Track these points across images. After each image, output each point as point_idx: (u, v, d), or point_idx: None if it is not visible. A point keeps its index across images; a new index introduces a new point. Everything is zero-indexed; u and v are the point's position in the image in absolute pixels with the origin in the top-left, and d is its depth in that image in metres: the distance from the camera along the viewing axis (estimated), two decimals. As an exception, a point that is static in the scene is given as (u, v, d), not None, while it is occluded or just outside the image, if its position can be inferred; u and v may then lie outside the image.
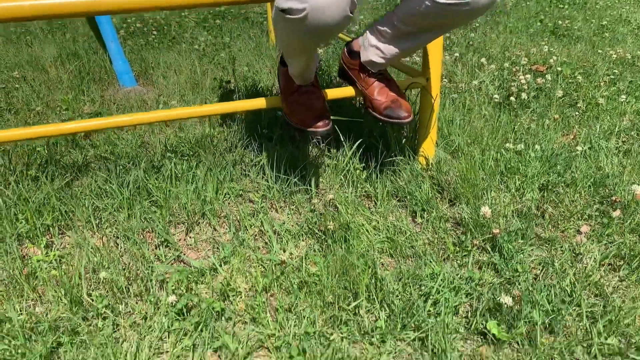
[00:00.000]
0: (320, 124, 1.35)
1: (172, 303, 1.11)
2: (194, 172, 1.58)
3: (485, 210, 1.33)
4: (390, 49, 1.40)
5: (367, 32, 1.45)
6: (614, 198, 1.48)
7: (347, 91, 1.55)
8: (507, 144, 1.74)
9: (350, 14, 1.07)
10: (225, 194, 1.55)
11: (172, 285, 1.18)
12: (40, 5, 1.11)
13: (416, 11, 1.25)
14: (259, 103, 1.48)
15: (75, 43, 3.51)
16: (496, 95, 2.18)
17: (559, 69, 2.62)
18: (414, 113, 1.74)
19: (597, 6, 4.58)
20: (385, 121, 1.42)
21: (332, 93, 1.53)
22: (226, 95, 2.39)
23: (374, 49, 1.42)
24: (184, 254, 1.32)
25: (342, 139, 1.68)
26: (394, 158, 1.64)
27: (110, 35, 2.70)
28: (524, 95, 2.18)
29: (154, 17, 4.09)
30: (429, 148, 1.64)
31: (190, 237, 1.40)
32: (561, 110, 2.14)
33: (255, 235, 1.39)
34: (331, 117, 1.40)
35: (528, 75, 2.39)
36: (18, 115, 2.20)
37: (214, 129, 1.91)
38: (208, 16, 4.22)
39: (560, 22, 3.79)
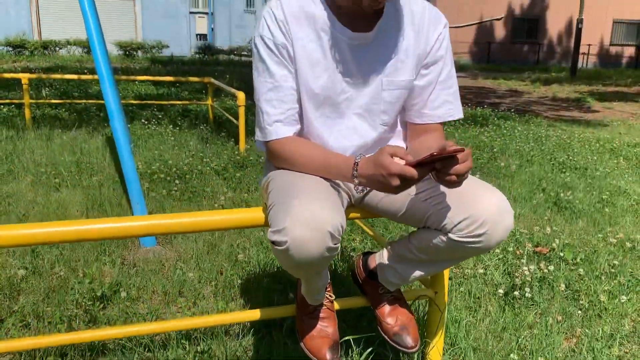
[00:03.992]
0: (328, 356, 1.42)
1: None
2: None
3: None
4: (407, 271, 1.48)
5: (384, 252, 1.56)
6: None
7: (359, 301, 1.64)
8: (512, 355, 1.79)
9: (334, 245, 1.16)
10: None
11: None
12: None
13: (431, 243, 1.34)
14: (278, 312, 1.57)
15: (101, 188, 3.71)
16: (500, 290, 2.27)
17: (561, 254, 2.73)
18: (422, 322, 1.82)
19: (597, 173, 4.82)
20: (393, 346, 1.49)
21: (344, 303, 1.62)
22: (241, 268, 2.49)
23: (391, 270, 1.51)
24: None
25: (353, 345, 1.74)
26: (402, 366, 1.69)
27: (136, 197, 2.88)
28: (527, 291, 2.26)
29: (178, 165, 4.36)
30: (435, 358, 1.70)
31: None
32: (564, 308, 2.21)
33: None
34: (344, 338, 1.48)
35: (532, 267, 2.50)
36: (42, 279, 2.30)
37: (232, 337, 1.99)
38: (228, 165, 4.48)
39: (562, 193, 3.98)
